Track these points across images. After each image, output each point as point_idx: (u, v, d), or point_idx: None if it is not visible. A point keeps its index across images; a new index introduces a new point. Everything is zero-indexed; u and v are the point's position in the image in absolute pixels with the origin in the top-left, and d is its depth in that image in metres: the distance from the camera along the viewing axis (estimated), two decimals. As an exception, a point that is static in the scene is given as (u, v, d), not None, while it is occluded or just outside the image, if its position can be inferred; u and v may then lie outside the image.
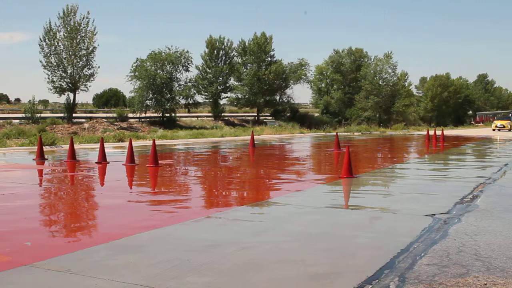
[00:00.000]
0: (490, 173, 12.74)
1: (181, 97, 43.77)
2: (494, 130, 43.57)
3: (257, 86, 48.10)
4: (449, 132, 39.78)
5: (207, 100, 50.43)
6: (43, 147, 16.46)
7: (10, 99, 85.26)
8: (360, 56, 59.06)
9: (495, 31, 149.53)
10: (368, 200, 9.06)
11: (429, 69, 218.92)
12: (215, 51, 48.38)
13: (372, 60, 58.18)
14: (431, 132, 27.28)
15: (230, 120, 48.49)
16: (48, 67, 35.76)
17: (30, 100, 35.91)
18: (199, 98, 47.71)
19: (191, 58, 43.77)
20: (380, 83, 54.80)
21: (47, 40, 35.65)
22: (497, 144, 26.41)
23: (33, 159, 15.74)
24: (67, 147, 17.21)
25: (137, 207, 8.34)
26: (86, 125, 34.26)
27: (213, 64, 48.16)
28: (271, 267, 4.92)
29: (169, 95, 42.38)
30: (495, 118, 55.10)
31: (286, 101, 52.62)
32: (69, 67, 35.94)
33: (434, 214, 7.37)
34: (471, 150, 23.04)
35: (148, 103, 41.83)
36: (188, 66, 43.85)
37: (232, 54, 49.46)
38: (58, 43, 35.78)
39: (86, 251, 5.45)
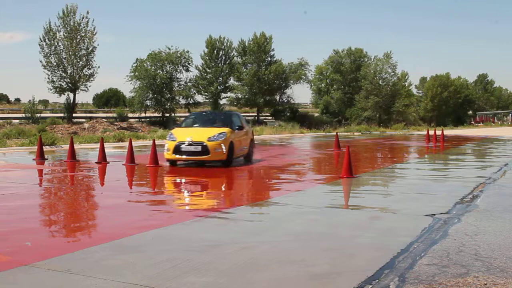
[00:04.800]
0: (490, 173, 12.73)
1: (181, 97, 43.80)
2: (170, 161, 13.77)
3: (257, 86, 48.11)
4: (449, 132, 39.76)
5: (207, 100, 50.46)
6: (43, 147, 16.45)
7: (10, 99, 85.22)
8: (360, 56, 59.06)
9: (495, 31, 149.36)
10: (368, 200, 9.05)
11: (429, 69, 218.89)
12: (215, 51, 48.40)
13: (372, 60, 58.20)
14: (431, 132, 27.28)
15: (230, 120, 48.45)
16: (48, 67, 35.80)
17: (30, 100, 35.99)
18: (199, 98, 47.78)
19: (191, 58, 43.83)
20: (380, 83, 54.81)
21: (47, 40, 35.69)
22: (497, 144, 26.40)
23: (33, 159, 15.74)
24: (67, 147, 17.20)
25: (137, 207, 8.33)
26: (86, 125, 34.26)
27: (213, 64, 48.19)
28: (271, 267, 4.91)
29: (169, 95, 42.41)
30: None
31: (286, 101, 52.66)
32: (69, 67, 35.98)
33: (434, 214, 7.37)
34: (471, 150, 23.04)
35: (148, 103, 41.89)
36: (188, 66, 43.90)
37: (232, 54, 49.50)
38: (58, 43, 35.84)
39: (86, 251, 5.44)
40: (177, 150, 13.27)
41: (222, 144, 13.30)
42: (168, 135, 14.44)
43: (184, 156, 13.34)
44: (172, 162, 13.69)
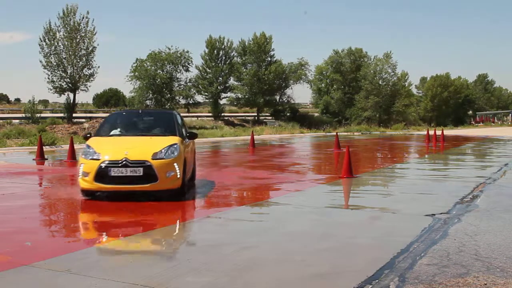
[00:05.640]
0: (490, 173, 12.73)
1: (181, 97, 43.85)
2: (87, 193, 8.71)
3: (257, 86, 48.14)
4: (449, 132, 39.75)
5: (207, 100, 50.53)
6: (43, 147, 16.45)
7: (10, 99, 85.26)
8: (360, 56, 59.07)
9: (495, 31, 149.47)
10: (368, 200, 9.06)
11: (429, 69, 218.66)
12: (215, 51, 48.45)
13: (372, 60, 58.24)
14: (431, 132, 27.27)
15: (230, 120, 48.51)
16: (48, 67, 35.81)
17: (30, 100, 35.97)
18: (199, 98, 47.88)
19: (191, 58, 43.92)
20: (380, 83, 54.85)
21: (47, 40, 35.70)
22: (497, 144, 26.39)
23: (33, 159, 15.74)
24: (67, 147, 17.20)
25: (137, 207, 8.32)
26: (86, 125, 34.25)
27: (213, 64, 48.23)
28: (271, 267, 4.91)
29: (169, 95, 42.46)
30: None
31: (286, 101, 52.72)
32: (69, 67, 35.99)
33: (434, 214, 7.37)
34: (471, 150, 23.04)
35: (148, 103, 41.95)
36: (188, 66, 43.97)
37: (232, 54, 49.56)
38: (58, 43, 35.85)
39: (86, 251, 5.44)
40: (102, 175, 8.20)
41: (175, 164, 8.42)
42: (84, 149, 8.80)
43: (113, 185, 8.29)
44: (91, 194, 8.62)
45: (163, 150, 8.45)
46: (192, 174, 10.51)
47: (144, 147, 8.57)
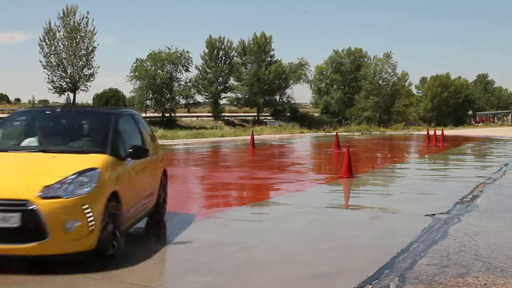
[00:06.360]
0: (490, 173, 12.73)
1: (181, 97, 43.90)
2: None
3: (257, 86, 48.18)
4: (449, 132, 39.74)
5: (207, 100, 50.58)
6: (43, 147, 16.43)
7: (10, 99, 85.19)
8: (359, 56, 59.09)
9: (495, 31, 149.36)
10: (368, 200, 9.06)
11: (429, 69, 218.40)
12: (215, 51, 48.51)
13: (371, 60, 58.27)
14: (431, 132, 27.25)
15: (230, 120, 48.55)
16: (48, 67, 35.89)
17: (30, 100, 36.09)
18: (199, 98, 47.94)
19: (191, 58, 43.99)
20: (380, 83, 54.88)
21: (47, 40, 35.78)
22: (497, 144, 26.39)
23: (33, 159, 15.72)
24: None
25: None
26: (86, 125, 34.33)
27: (213, 64, 48.28)
28: (271, 267, 4.92)
29: (169, 95, 42.50)
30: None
31: (286, 101, 52.81)
32: (69, 67, 36.06)
33: (434, 214, 7.37)
34: (471, 150, 23.04)
35: (148, 103, 42.02)
36: (188, 66, 44.03)
37: (232, 54, 49.62)
38: (58, 43, 35.93)
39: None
40: None
41: (85, 207, 4.65)
42: None
43: None
44: None
45: (64, 181, 4.71)
46: (157, 204, 6.68)
47: (30, 174, 4.88)
